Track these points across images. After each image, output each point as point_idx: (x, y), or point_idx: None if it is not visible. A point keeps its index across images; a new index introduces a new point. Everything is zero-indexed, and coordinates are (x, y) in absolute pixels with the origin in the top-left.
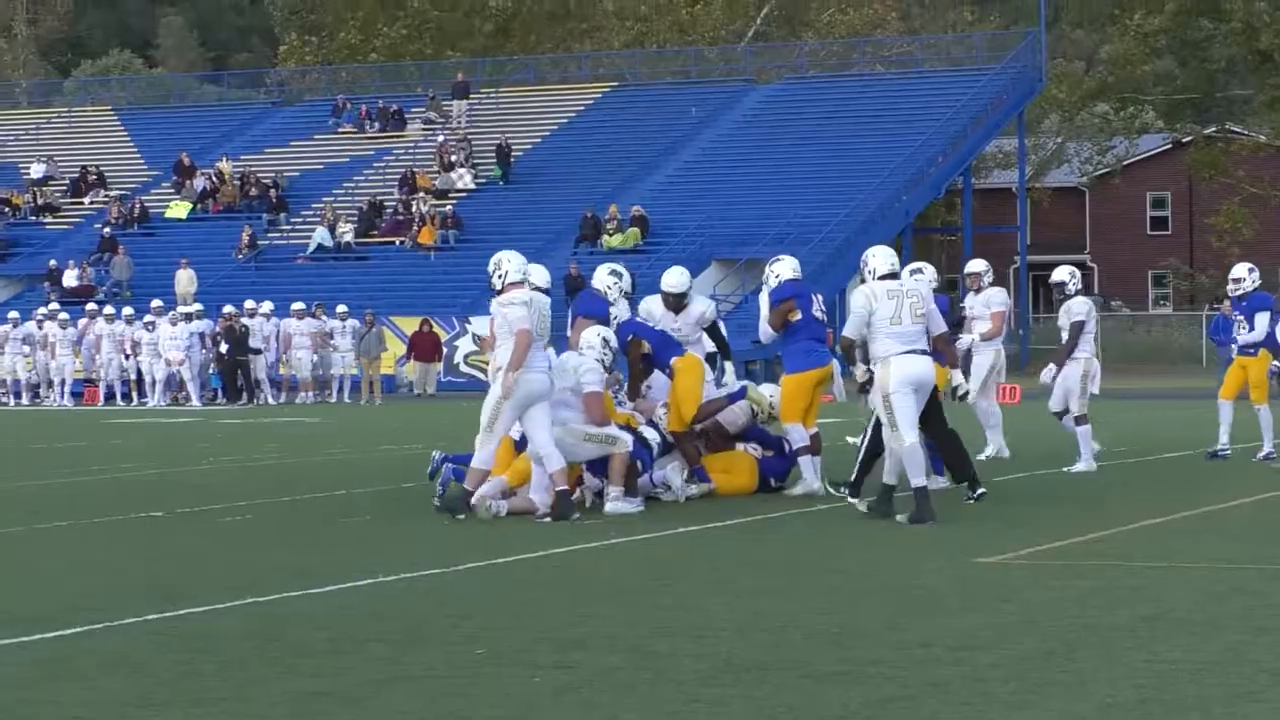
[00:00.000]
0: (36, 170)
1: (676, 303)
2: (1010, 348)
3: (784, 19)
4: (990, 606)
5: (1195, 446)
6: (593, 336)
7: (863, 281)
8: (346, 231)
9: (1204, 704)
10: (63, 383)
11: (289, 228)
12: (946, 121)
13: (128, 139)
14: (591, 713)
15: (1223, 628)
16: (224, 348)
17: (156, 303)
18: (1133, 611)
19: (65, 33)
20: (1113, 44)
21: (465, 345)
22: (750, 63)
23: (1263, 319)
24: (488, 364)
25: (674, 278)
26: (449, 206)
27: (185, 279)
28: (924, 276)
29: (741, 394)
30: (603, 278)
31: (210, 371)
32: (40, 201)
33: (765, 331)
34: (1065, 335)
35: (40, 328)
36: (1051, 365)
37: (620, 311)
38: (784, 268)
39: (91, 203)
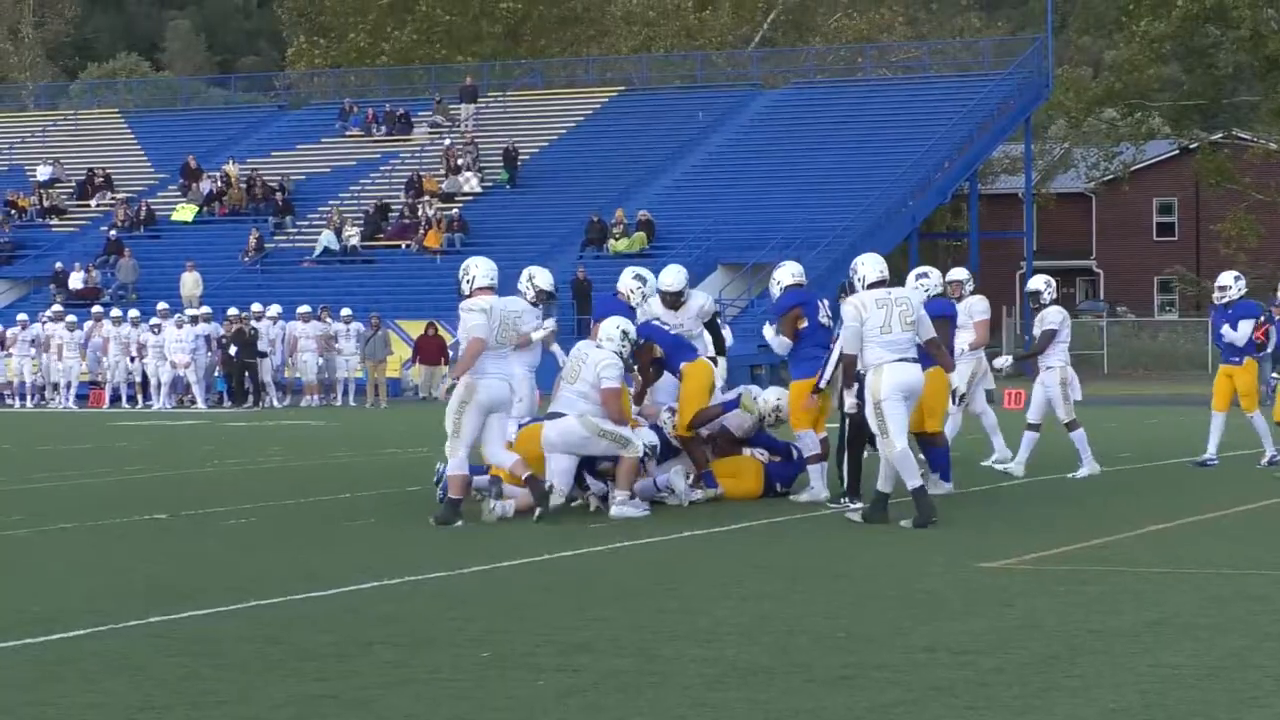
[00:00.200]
0: (43, 172)
1: (674, 300)
2: (1016, 354)
3: (791, 24)
4: (994, 611)
5: (1200, 452)
6: (611, 329)
7: (852, 290)
8: (352, 235)
9: (1208, 709)
10: (69, 385)
11: (295, 231)
12: (953, 127)
13: (134, 142)
14: (596, 716)
15: (1227, 633)
16: (233, 350)
17: (162, 305)
18: (1137, 616)
19: (72, 35)
20: (1118, 49)
21: None
22: (757, 68)
23: (1246, 326)
24: None
25: (669, 276)
26: (455, 210)
27: (190, 282)
28: (929, 281)
29: (734, 404)
30: (627, 281)
31: (215, 374)
32: (46, 204)
33: (781, 344)
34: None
35: (43, 327)
36: (1009, 356)
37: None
38: (784, 274)
39: (98, 205)
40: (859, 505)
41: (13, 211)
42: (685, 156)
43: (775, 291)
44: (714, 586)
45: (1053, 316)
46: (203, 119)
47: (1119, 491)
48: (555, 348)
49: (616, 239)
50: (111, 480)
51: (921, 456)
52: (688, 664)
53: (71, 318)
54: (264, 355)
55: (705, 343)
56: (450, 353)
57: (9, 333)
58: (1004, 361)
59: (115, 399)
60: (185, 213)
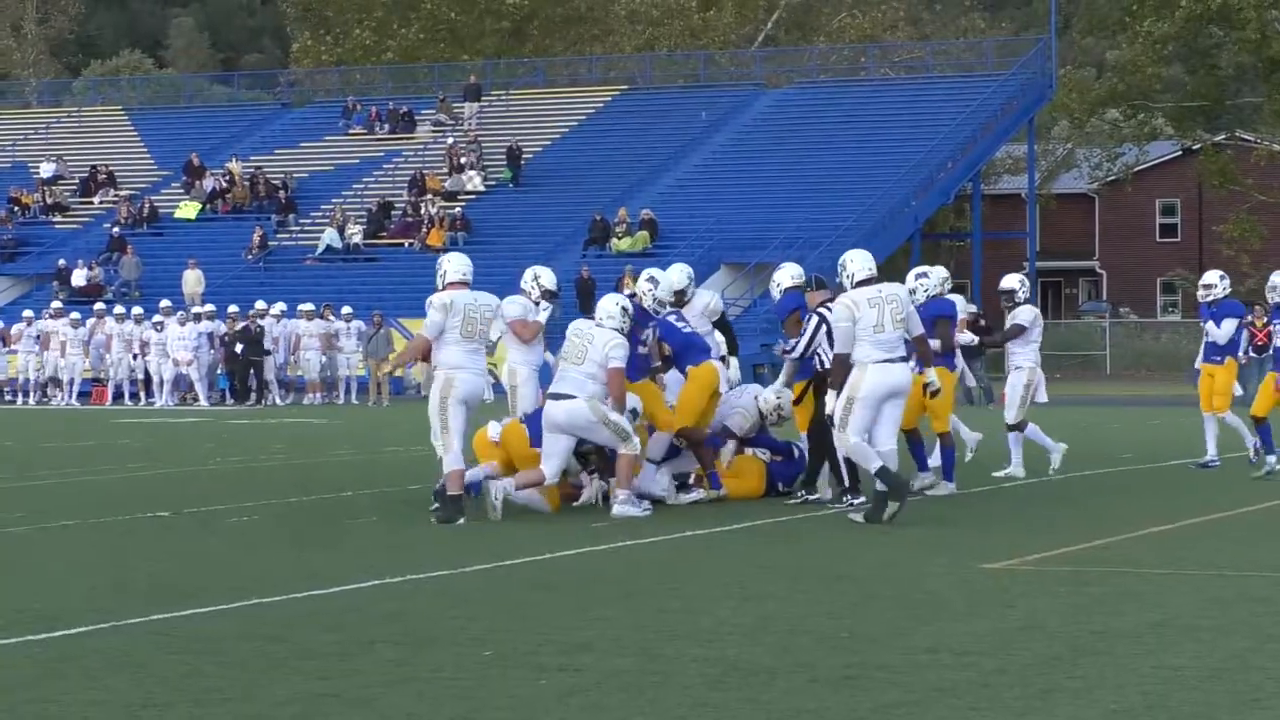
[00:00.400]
0: (46, 169)
1: (678, 299)
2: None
3: (794, 24)
4: (996, 612)
5: (1201, 455)
6: (612, 306)
7: (841, 288)
8: (355, 233)
9: (1210, 711)
10: (71, 382)
11: (298, 229)
12: (956, 127)
13: (137, 139)
14: (598, 716)
15: (1229, 634)
16: (239, 348)
17: (165, 303)
18: (1139, 618)
19: (75, 32)
20: (1120, 50)
21: None
22: (760, 67)
23: (1229, 325)
24: (494, 366)
25: (672, 275)
26: (458, 208)
27: (193, 279)
28: (929, 281)
29: (717, 440)
30: (641, 284)
31: (218, 372)
32: (49, 201)
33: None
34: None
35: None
36: (969, 332)
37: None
38: (784, 276)
39: (101, 202)
40: (861, 500)
41: (16, 208)
42: (688, 156)
43: (775, 294)
44: (716, 586)
45: (1024, 314)
46: (206, 116)
47: (1121, 493)
48: (546, 355)
49: (619, 238)
50: (114, 478)
51: (920, 459)
52: (689, 664)
53: (75, 315)
54: (268, 353)
55: (718, 341)
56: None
57: (13, 329)
58: (964, 337)
59: (118, 396)
60: (188, 210)
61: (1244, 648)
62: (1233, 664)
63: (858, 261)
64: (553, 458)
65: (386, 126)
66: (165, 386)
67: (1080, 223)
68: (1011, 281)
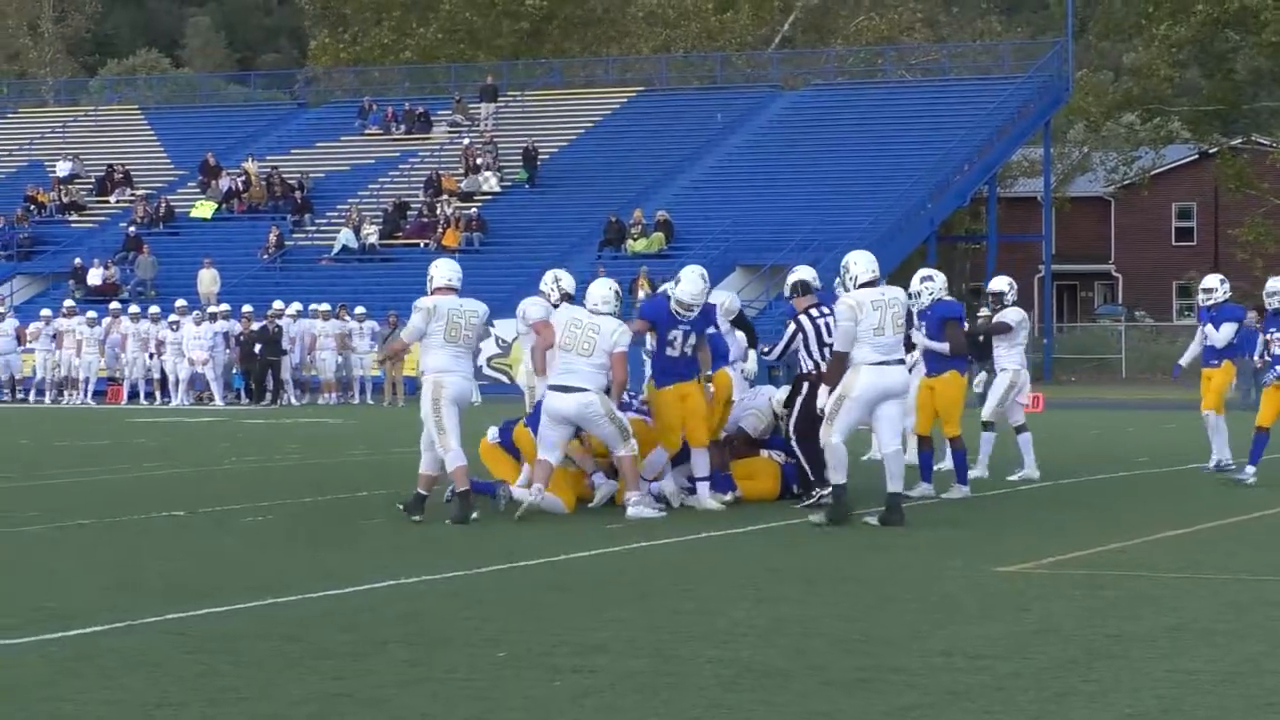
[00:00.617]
0: (62, 168)
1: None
2: (1034, 357)
3: (811, 25)
4: (1011, 615)
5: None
6: (606, 291)
7: (843, 288)
8: (371, 233)
9: (1225, 715)
10: (87, 381)
11: (313, 229)
12: (972, 130)
13: (154, 138)
14: (612, 717)
15: (1245, 639)
16: (256, 348)
17: (181, 302)
18: (1154, 622)
19: (92, 31)
20: (1136, 53)
21: (488, 348)
22: (777, 69)
23: (1229, 329)
24: (510, 366)
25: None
26: (474, 209)
27: (208, 279)
28: (934, 285)
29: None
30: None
31: (234, 371)
32: (66, 200)
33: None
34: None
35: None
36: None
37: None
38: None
39: (117, 201)
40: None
41: (32, 207)
42: (704, 157)
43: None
44: (731, 588)
45: (1011, 315)
46: (222, 116)
47: (1136, 496)
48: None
49: (635, 239)
50: (129, 477)
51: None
52: (704, 665)
53: (91, 313)
54: (284, 353)
55: (738, 340)
56: (497, 347)
57: (30, 328)
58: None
59: (133, 395)
60: (204, 210)
61: (1259, 652)
62: (1247, 668)
63: (861, 263)
64: (556, 448)
65: (403, 127)
66: (180, 386)
67: (1096, 226)
68: (1001, 284)
